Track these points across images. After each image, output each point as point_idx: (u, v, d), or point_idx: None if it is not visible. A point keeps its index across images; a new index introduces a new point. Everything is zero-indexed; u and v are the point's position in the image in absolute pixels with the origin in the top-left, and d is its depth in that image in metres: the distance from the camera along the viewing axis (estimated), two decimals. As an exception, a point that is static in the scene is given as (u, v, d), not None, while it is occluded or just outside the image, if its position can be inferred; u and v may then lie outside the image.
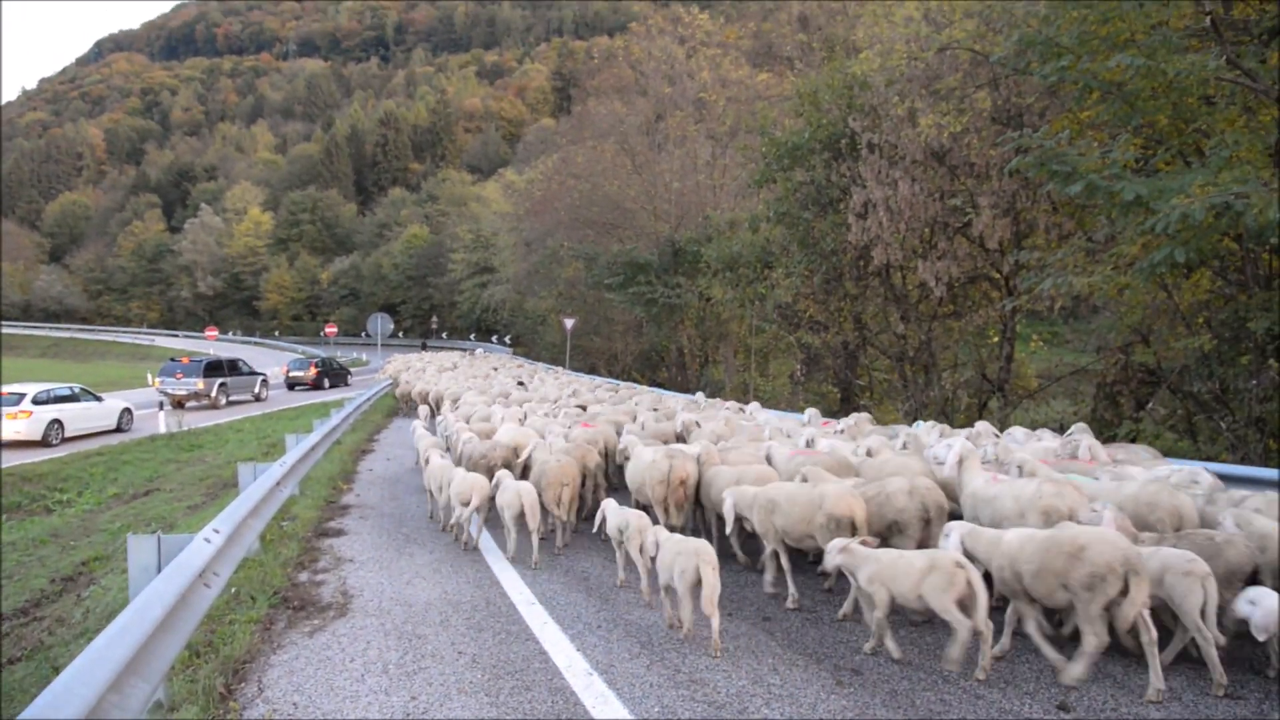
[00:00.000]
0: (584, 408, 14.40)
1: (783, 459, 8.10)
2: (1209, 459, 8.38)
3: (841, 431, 10.07)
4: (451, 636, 5.91)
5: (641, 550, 6.25)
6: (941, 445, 7.01)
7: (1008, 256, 14.04)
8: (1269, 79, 8.93)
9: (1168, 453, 9.30)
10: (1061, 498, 5.75)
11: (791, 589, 6.49)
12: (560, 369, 33.11)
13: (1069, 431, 8.45)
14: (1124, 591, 4.60)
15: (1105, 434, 12.00)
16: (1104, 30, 9.68)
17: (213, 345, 66.98)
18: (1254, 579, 4.95)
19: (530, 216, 43.95)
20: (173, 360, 32.40)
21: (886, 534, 6.26)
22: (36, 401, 21.04)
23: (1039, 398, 17.26)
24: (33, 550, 12.23)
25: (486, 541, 8.79)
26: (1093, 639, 4.67)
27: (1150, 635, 4.70)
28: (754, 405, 14.00)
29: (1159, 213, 8.03)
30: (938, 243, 15.35)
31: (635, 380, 28.93)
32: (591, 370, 36.00)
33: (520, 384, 21.47)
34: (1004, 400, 14.77)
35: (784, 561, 6.60)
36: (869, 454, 8.07)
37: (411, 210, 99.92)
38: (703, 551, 5.52)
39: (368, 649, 5.70)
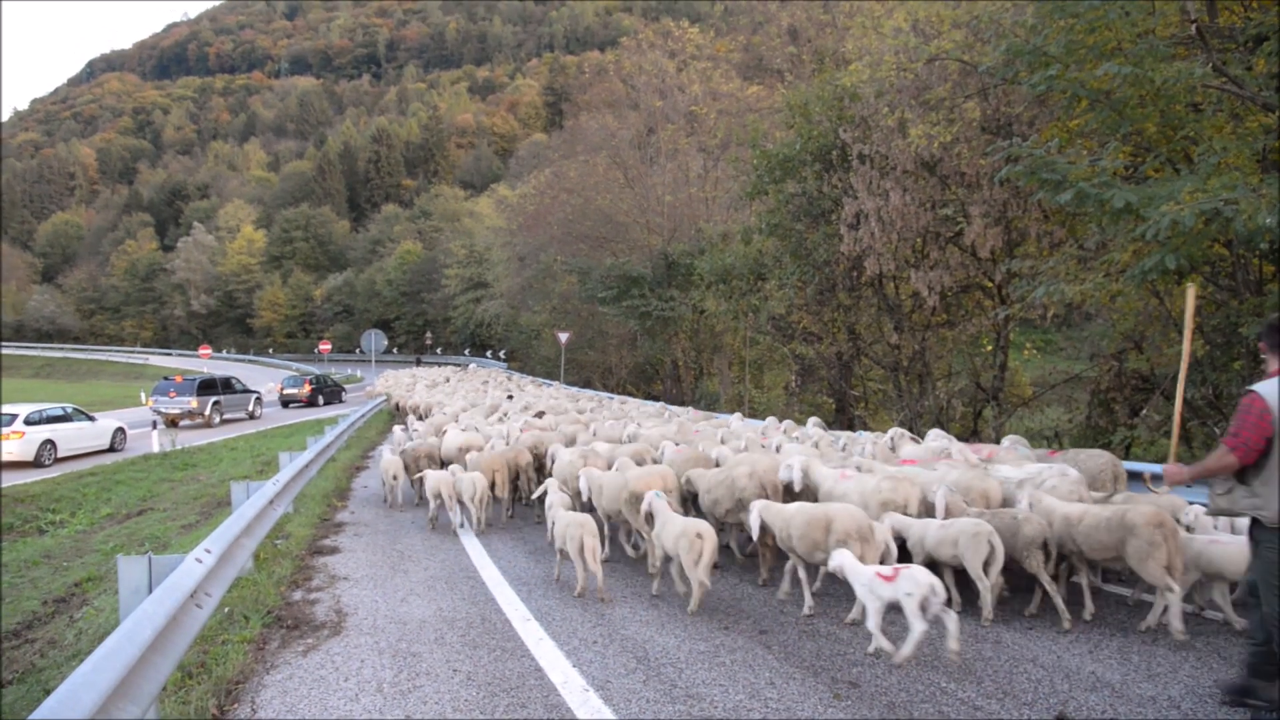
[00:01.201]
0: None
1: (669, 455, 9.82)
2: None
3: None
4: (446, 654, 5.87)
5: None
6: (784, 468, 7.95)
7: (1000, 265, 14.06)
8: (1255, 86, 8.98)
9: (1162, 458, 9.30)
10: (896, 490, 7.12)
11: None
12: (557, 383, 33.08)
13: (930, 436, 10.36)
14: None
15: (1100, 441, 12.03)
16: (1091, 39, 9.72)
17: (206, 363, 66.62)
18: (1045, 548, 6.23)
19: (523, 231, 43.97)
20: (166, 379, 32.30)
21: (738, 509, 7.81)
22: (29, 422, 20.92)
23: (1033, 405, 17.27)
24: (25, 571, 12.13)
25: (481, 558, 8.76)
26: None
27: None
28: (735, 416, 15.14)
29: (1149, 220, 8.05)
30: (930, 252, 15.39)
31: (630, 393, 28.91)
32: (586, 384, 36.00)
33: (510, 397, 23.15)
34: (999, 409, 14.79)
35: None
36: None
37: (405, 226, 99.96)
38: (586, 523, 7.13)
39: (362, 668, 5.65)
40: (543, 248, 39.50)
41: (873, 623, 5.53)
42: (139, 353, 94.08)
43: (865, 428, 17.54)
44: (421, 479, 11.28)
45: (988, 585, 6.13)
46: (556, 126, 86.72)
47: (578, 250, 35.58)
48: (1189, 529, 6.48)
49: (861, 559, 5.90)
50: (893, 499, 7.03)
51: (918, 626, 5.23)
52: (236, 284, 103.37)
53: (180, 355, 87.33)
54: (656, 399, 26.20)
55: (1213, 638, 5.72)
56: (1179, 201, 7.89)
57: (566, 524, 7.28)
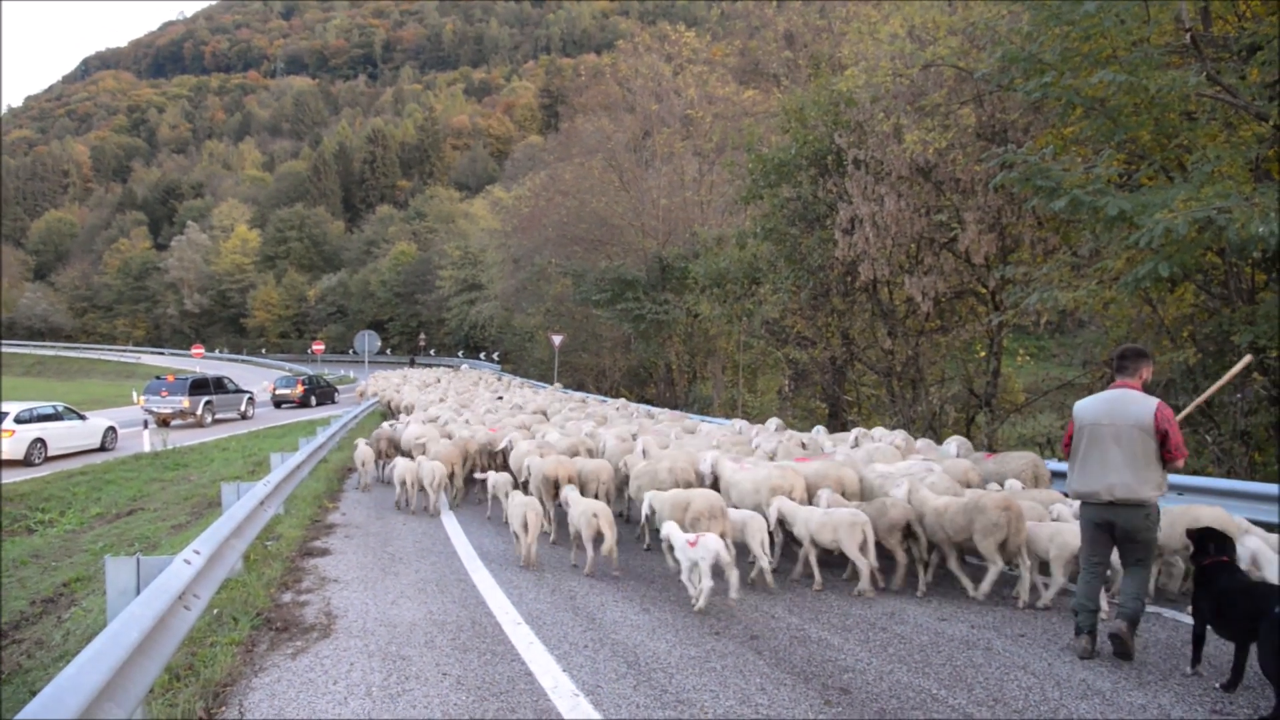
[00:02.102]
0: (545, 413, 18.15)
1: (610, 448, 11.41)
2: (1195, 472, 8.42)
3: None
4: (436, 658, 5.84)
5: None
6: (702, 462, 9.30)
7: (994, 271, 14.09)
8: (1249, 95, 9.01)
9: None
10: (783, 479, 8.25)
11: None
12: (556, 385, 33.09)
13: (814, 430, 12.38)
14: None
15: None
16: (1086, 47, 9.75)
17: (199, 363, 66.56)
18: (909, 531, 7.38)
19: (518, 233, 43.95)
20: (158, 378, 32.13)
21: None
22: (19, 420, 20.82)
23: (1026, 412, 17.31)
24: (13, 571, 12.07)
25: (473, 561, 8.74)
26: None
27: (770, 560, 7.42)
28: (699, 419, 16.55)
29: (1143, 227, 8.07)
30: (924, 258, 15.41)
31: (624, 396, 28.90)
32: (580, 386, 35.97)
33: (499, 398, 24.09)
34: (991, 415, 14.80)
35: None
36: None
37: (399, 227, 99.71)
38: (531, 503, 8.54)
39: (351, 671, 5.62)
40: (537, 250, 39.48)
41: (684, 576, 6.97)
42: (131, 351, 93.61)
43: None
44: (393, 466, 12.76)
45: (864, 564, 7.19)
46: (552, 129, 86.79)
47: (572, 253, 35.56)
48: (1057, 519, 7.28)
49: (711, 532, 7.14)
50: (780, 485, 8.18)
51: (707, 582, 6.67)
52: (230, 283, 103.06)
53: (173, 354, 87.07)
54: (650, 402, 26.30)
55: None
56: (1173, 209, 7.92)
57: (516, 504, 8.69)
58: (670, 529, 7.14)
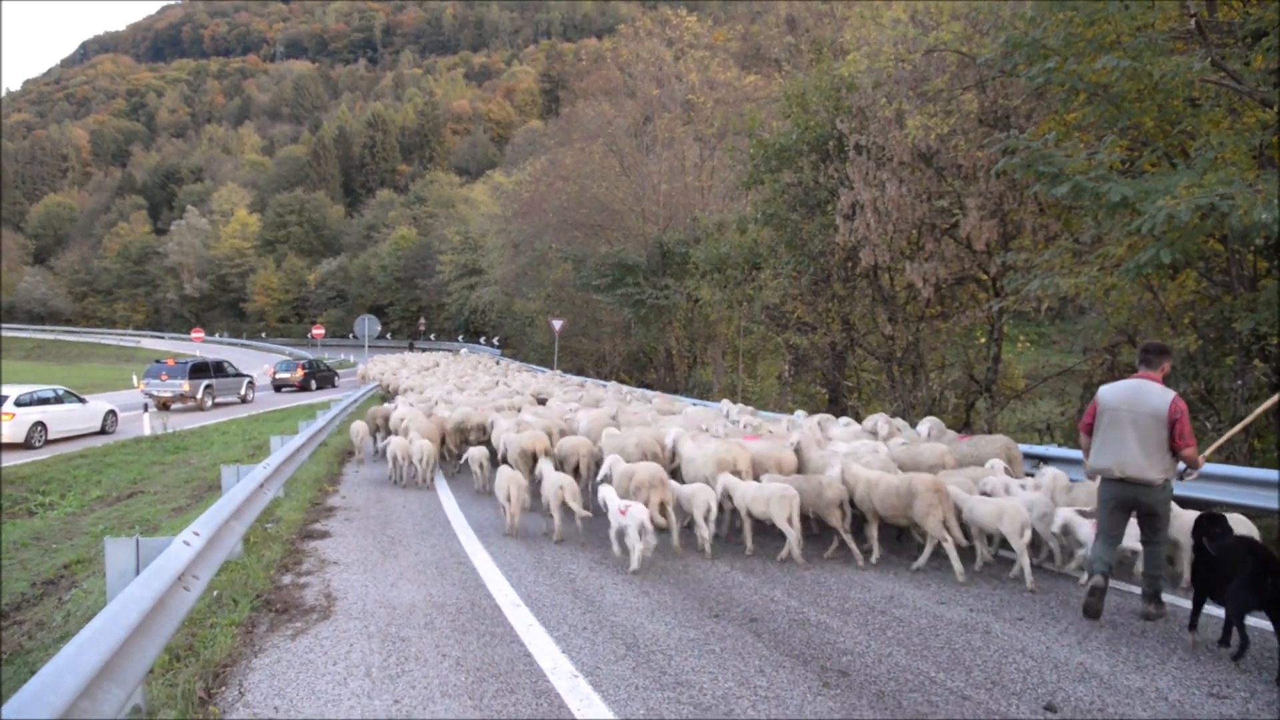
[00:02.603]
0: (543, 401, 18.19)
1: (585, 425, 12.42)
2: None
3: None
4: (436, 639, 5.86)
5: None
6: (667, 440, 10.13)
7: (995, 258, 14.06)
8: (1253, 81, 8.96)
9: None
10: (729, 453, 8.94)
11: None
12: (546, 369, 33.13)
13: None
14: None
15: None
16: (1090, 32, 9.69)
17: (199, 347, 66.54)
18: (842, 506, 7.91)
19: (518, 218, 43.86)
20: (158, 362, 32.13)
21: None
22: (19, 403, 20.83)
23: (1026, 398, 17.31)
24: (14, 554, 12.10)
25: (473, 544, 8.76)
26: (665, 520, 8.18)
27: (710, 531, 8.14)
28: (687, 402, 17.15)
29: (1145, 214, 8.03)
30: (925, 244, 15.37)
31: (624, 381, 28.92)
32: (580, 371, 35.98)
33: (497, 382, 24.24)
34: (991, 401, 14.80)
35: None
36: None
37: (399, 212, 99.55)
38: (515, 477, 9.32)
39: (350, 652, 5.64)
40: (538, 235, 39.41)
41: (613, 532, 7.88)
42: (131, 335, 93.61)
43: (858, 418, 17.55)
44: (387, 443, 13.87)
45: (791, 534, 7.80)
46: (553, 114, 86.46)
47: (573, 238, 35.49)
48: (985, 494, 7.78)
49: (648, 502, 7.95)
50: (725, 460, 8.85)
51: (638, 546, 7.44)
52: (230, 268, 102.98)
53: (173, 338, 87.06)
54: (650, 387, 26.36)
55: (1201, 631, 5.73)
56: (1175, 196, 7.87)
57: (502, 478, 9.42)
58: (606, 493, 8.05)
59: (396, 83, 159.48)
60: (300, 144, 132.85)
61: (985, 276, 15.17)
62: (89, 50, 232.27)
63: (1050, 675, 5.09)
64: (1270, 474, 7.42)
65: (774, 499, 7.87)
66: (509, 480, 9.23)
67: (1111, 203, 8.46)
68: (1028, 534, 7.00)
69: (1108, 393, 6.38)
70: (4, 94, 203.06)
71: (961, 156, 14.30)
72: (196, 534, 5.91)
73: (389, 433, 15.16)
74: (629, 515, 7.54)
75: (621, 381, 26.86)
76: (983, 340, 15.75)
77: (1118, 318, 11.64)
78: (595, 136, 36.26)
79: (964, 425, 15.38)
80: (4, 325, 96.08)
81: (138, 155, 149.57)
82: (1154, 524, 6.20)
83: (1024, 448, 9.79)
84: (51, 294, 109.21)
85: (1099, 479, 6.39)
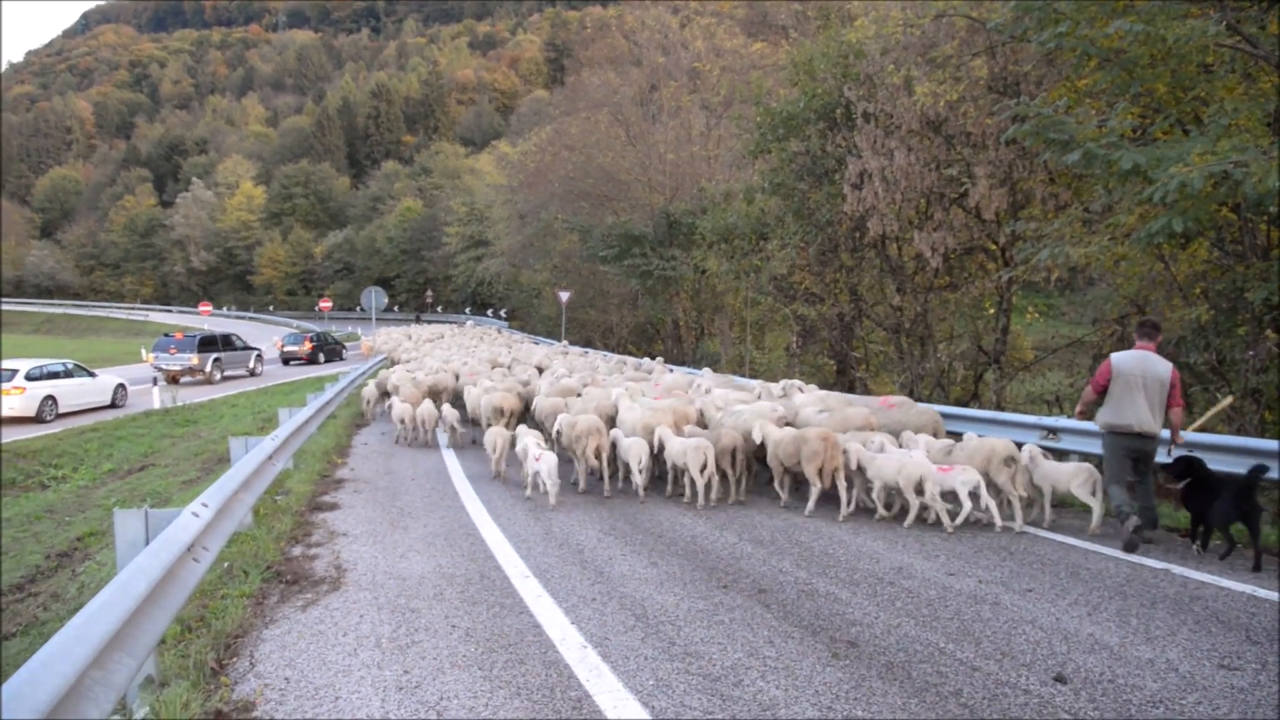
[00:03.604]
0: (541, 369, 19.18)
1: (545, 388, 14.04)
2: (1204, 430, 8.37)
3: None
4: (445, 610, 5.89)
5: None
6: (614, 401, 11.48)
7: (1004, 227, 13.94)
8: (1269, 45, 8.81)
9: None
10: (655, 415, 10.14)
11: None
12: (553, 340, 33.20)
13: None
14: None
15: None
16: (1103, -5, 9.53)
17: (207, 320, 66.73)
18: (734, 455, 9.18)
19: (524, 189, 43.63)
20: (167, 335, 32.30)
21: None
22: (30, 378, 20.95)
23: (1035, 369, 17.23)
24: (28, 526, 12.21)
25: (481, 516, 8.79)
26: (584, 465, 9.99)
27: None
28: (658, 364, 18.88)
29: (1157, 182, 7.93)
30: (934, 213, 15.24)
31: (631, 352, 28.91)
32: (588, 343, 35.97)
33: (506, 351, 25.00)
34: (1000, 372, 14.73)
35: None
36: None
37: (405, 183, 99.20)
38: (503, 433, 11.04)
39: (360, 623, 5.67)
40: (544, 205, 39.23)
41: (528, 481, 9.61)
42: (139, 309, 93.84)
43: (866, 390, 17.54)
44: (389, 405, 15.64)
45: (700, 482, 8.98)
46: (558, 83, 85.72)
47: (579, 208, 35.31)
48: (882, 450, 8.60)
49: (588, 448, 9.62)
50: (648, 422, 9.96)
51: (554, 487, 9.02)
52: (236, 240, 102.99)
53: (181, 312, 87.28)
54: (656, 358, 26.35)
55: (1211, 602, 5.73)
56: (1188, 164, 7.76)
57: (490, 433, 11.09)
58: (527, 442, 9.81)
59: (400, 52, 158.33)
60: (304, 115, 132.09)
61: (994, 246, 15.05)
62: (91, 21, 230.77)
63: (1060, 646, 5.09)
64: (1271, 444, 7.46)
65: (689, 450, 9.00)
66: (496, 434, 10.94)
67: (1123, 170, 8.35)
68: (932, 489, 7.89)
69: (1122, 359, 7.51)
70: (4, 66, 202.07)
71: (971, 124, 14.12)
72: (205, 505, 5.93)
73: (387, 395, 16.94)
74: (541, 462, 9.15)
75: (629, 353, 26.92)
76: (991, 311, 15.65)
77: (1128, 288, 11.54)
78: (601, 105, 35.97)
79: (972, 396, 15.35)
80: (13, 300, 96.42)
81: (142, 127, 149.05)
82: (1147, 465, 7.59)
83: (1034, 419, 10.33)
84: (59, 268, 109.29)
85: (1108, 434, 7.60)
